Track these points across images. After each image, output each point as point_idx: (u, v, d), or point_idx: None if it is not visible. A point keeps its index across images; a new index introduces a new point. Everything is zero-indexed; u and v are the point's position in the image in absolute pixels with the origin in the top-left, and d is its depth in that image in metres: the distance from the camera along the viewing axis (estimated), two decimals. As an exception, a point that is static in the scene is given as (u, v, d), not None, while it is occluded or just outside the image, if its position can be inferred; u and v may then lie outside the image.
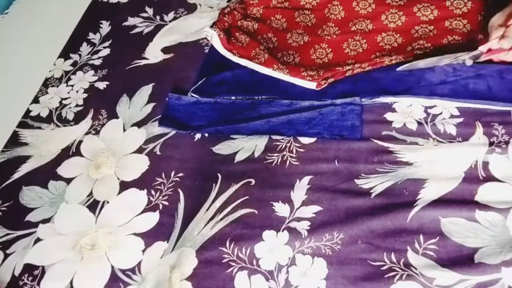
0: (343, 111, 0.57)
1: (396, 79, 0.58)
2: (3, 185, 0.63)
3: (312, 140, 0.57)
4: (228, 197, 0.55)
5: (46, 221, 0.58)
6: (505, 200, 0.46)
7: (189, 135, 0.62)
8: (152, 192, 0.58)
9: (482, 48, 0.52)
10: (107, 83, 0.72)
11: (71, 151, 0.65)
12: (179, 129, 0.62)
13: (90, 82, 0.73)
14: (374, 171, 0.52)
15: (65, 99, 0.72)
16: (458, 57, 0.53)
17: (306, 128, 0.57)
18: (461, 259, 0.44)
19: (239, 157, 0.58)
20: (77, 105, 0.70)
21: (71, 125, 0.68)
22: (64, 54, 0.78)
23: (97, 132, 0.66)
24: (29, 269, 0.55)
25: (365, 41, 0.63)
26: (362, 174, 0.52)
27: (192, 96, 0.65)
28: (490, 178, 0.48)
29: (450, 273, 0.43)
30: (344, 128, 0.56)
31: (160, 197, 0.57)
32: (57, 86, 0.74)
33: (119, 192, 0.59)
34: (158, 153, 0.61)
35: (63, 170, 0.63)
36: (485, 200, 0.47)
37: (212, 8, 0.77)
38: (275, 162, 0.56)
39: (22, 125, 0.70)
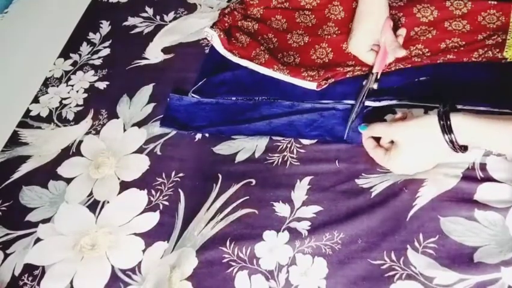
0: (344, 115, 0.57)
1: (397, 83, 0.58)
2: (3, 184, 0.63)
3: (313, 140, 0.57)
4: (228, 197, 0.55)
5: (46, 221, 0.58)
6: (504, 200, 0.47)
7: (189, 135, 0.62)
8: (153, 192, 0.58)
9: (376, 69, 0.57)
10: (107, 83, 0.72)
11: (71, 151, 0.65)
12: (181, 130, 0.62)
13: (90, 82, 0.73)
14: (374, 171, 0.52)
15: (65, 99, 0.72)
16: (366, 89, 0.57)
17: (307, 130, 0.57)
18: (461, 258, 0.44)
19: (240, 157, 0.58)
20: (77, 105, 0.71)
21: (71, 125, 0.68)
22: (64, 54, 0.78)
23: (97, 132, 0.66)
24: (29, 269, 0.55)
25: None
26: (363, 174, 0.52)
27: (193, 96, 0.65)
28: (488, 179, 0.48)
29: (450, 272, 0.44)
30: (346, 131, 0.56)
31: (161, 197, 0.57)
32: (58, 86, 0.74)
33: (119, 192, 0.59)
34: (158, 153, 0.61)
35: (63, 170, 0.63)
36: (484, 199, 0.47)
37: (212, 8, 0.77)
38: (276, 162, 0.56)
39: (22, 124, 0.70)
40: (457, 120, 0.44)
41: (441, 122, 0.44)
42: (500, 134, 0.43)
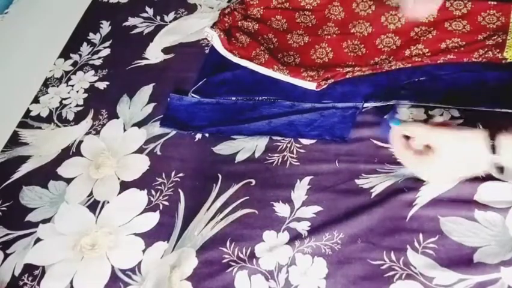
0: (344, 114, 0.57)
1: (396, 83, 0.58)
2: (4, 185, 0.63)
3: (313, 140, 0.57)
4: (228, 197, 0.55)
5: (46, 221, 0.58)
6: (504, 200, 0.47)
7: (190, 135, 0.62)
8: (153, 192, 0.58)
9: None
10: (107, 83, 0.72)
11: (71, 151, 0.65)
12: (181, 130, 0.62)
13: (90, 82, 0.73)
14: (374, 172, 0.52)
15: (65, 99, 0.72)
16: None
17: (307, 129, 0.57)
18: (461, 258, 0.44)
19: (239, 157, 0.58)
20: (77, 105, 0.71)
21: (71, 125, 0.68)
22: (64, 54, 0.78)
23: (97, 132, 0.66)
24: (29, 269, 0.55)
25: (363, 45, 0.63)
26: (362, 174, 0.52)
27: (193, 96, 0.65)
28: (489, 178, 0.48)
29: (449, 272, 0.44)
30: (346, 130, 0.56)
31: (161, 197, 0.57)
32: (58, 86, 0.74)
33: (119, 192, 0.59)
34: (158, 153, 0.61)
35: (63, 170, 0.63)
36: (484, 200, 0.47)
37: (212, 8, 0.77)
38: (276, 162, 0.56)
39: (22, 125, 0.70)
40: (505, 143, 0.42)
41: (491, 142, 0.42)
42: None
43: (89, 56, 0.77)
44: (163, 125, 0.63)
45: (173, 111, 0.64)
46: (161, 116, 0.65)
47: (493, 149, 0.42)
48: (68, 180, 0.62)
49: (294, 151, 0.57)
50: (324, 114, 0.58)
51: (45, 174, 0.63)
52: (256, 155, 0.58)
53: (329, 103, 0.60)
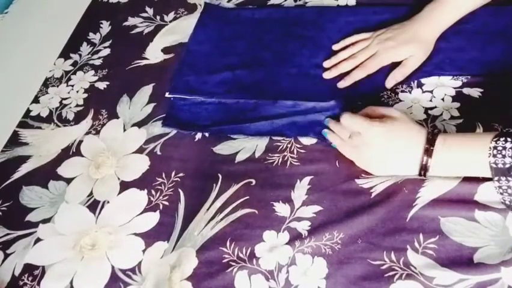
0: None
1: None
2: (3, 185, 0.63)
3: (313, 140, 0.57)
4: (228, 197, 0.55)
5: (46, 221, 0.58)
6: (505, 200, 0.47)
7: (190, 135, 0.62)
8: (153, 192, 0.58)
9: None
10: (107, 83, 0.72)
11: (71, 151, 0.65)
12: (183, 129, 0.62)
13: (90, 82, 0.73)
14: (374, 172, 0.52)
15: (65, 99, 0.72)
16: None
17: (309, 130, 0.57)
18: (461, 258, 0.44)
19: (240, 157, 0.58)
20: (77, 105, 0.71)
21: (71, 125, 0.68)
22: (64, 54, 0.78)
23: (97, 132, 0.66)
24: (29, 269, 0.55)
25: None
26: (363, 174, 0.52)
27: (176, 97, 0.65)
28: (489, 178, 0.48)
29: (449, 272, 0.44)
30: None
31: (161, 197, 0.57)
32: (58, 86, 0.74)
33: (119, 192, 0.59)
34: (158, 153, 0.61)
35: (63, 170, 0.63)
36: (485, 200, 0.47)
37: (212, 8, 0.77)
38: (276, 162, 0.56)
39: (22, 124, 0.70)
40: (440, 150, 0.46)
41: (426, 146, 0.46)
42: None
43: (89, 56, 0.77)
44: (165, 125, 0.63)
45: (176, 110, 0.64)
46: (162, 115, 0.65)
47: (427, 153, 0.46)
48: (68, 180, 0.62)
49: (295, 151, 0.57)
50: (325, 114, 0.58)
51: (45, 174, 0.63)
52: (257, 155, 0.58)
53: (330, 103, 0.60)
